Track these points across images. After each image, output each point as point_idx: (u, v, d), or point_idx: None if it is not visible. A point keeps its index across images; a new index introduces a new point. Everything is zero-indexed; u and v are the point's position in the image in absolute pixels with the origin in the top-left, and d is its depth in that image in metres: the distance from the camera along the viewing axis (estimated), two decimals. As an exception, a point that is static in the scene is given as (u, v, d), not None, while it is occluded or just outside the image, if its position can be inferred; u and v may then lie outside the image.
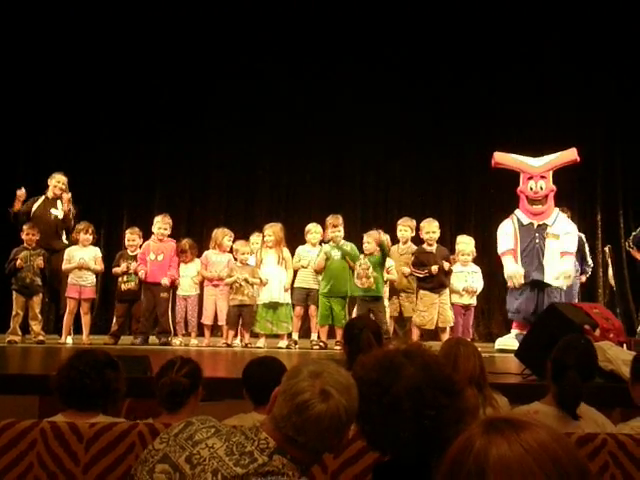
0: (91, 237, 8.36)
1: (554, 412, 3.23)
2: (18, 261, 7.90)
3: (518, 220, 7.89)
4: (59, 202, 8.59)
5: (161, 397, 3.14)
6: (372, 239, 7.81)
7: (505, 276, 7.84)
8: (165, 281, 8.14)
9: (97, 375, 2.99)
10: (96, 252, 8.37)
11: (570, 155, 7.99)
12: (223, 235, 8.42)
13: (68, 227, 8.61)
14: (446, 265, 7.91)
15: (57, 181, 8.60)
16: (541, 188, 7.89)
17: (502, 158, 8.19)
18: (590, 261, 8.65)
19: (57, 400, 3.10)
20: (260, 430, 1.85)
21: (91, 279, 8.26)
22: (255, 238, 8.57)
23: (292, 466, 1.81)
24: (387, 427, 1.86)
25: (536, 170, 7.94)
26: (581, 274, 8.48)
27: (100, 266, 8.37)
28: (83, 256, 8.21)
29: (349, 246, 8.10)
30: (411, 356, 1.92)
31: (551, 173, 7.97)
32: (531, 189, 7.91)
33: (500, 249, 7.94)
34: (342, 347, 3.93)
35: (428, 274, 7.83)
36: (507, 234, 7.88)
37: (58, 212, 8.56)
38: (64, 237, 8.65)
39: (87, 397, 2.98)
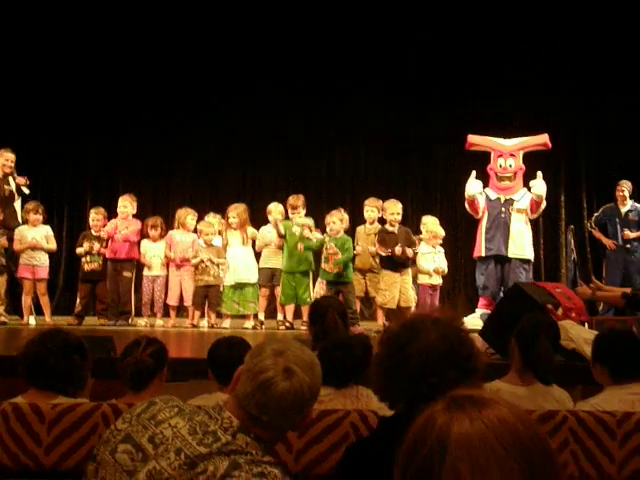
0: (41, 217, 8.20)
1: (516, 390, 3.28)
2: None
3: (486, 195, 7.99)
4: (10, 179, 8.39)
5: (125, 377, 3.12)
6: (337, 218, 7.79)
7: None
8: (123, 233, 8.11)
9: (64, 357, 2.95)
10: (47, 231, 8.22)
11: (542, 139, 8.14)
12: (186, 214, 8.37)
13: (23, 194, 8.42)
14: (409, 252, 7.90)
15: (5, 159, 8.39)
16: (510, 166, 8.04)
17: (475, 139, 8.34)
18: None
19: (21, 381, 3.06)
20: (223, 409, 1.84)
21: (44, 259, 8.11)
22: (211, 219, 8.49)
23: (255, 445, 1.81)
24: (393, 382, 1.89)
25: (507, 148, 8.06)
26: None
27: (53, 245, 8.24)
28: (34, 236, 8.06)
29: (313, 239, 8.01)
30: (437, 324, 1.94)
31: (521, 153, 8.08)
32: (500, 166, 8.07)
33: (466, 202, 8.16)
34: (307, 327, 3.93)
35: (390, 254, 7.82)
36: (467, 189, 8.04)
37: (12, 187, 8.37)
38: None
39: (51, 377, 2.95)
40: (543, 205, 8.04)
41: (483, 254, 7.95)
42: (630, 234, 8.60)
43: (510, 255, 7.80)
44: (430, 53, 10.27)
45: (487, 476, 0.95)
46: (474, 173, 8.15)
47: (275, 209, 8.25)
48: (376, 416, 2.89)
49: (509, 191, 7.98)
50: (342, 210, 8.11)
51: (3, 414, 2.73)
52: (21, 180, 8.45)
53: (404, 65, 10.31)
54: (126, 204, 8.34)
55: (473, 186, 8.03)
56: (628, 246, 8.68)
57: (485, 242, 7.92)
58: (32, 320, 7.95)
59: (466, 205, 8.24)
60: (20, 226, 8.16)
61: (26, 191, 8.49)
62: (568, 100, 10.36)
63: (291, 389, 1.80)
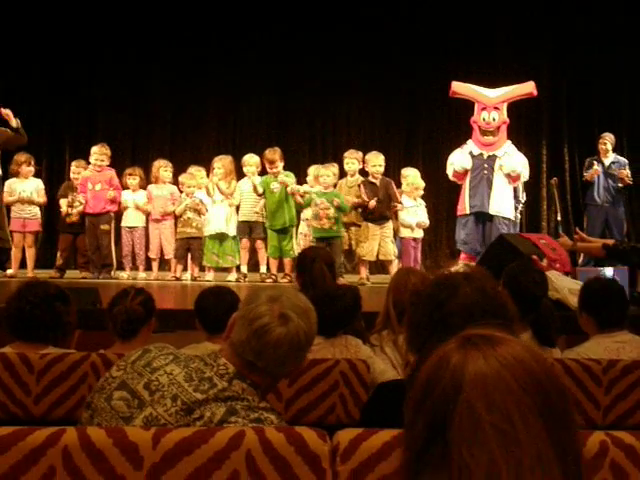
0: (33, 169, 8.13)
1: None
2: None
3: (470, 150, 7.95)
4: None
5: (115, 326, 3.11)
6: (331, 172, 7.72)
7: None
8: (111, 194, 7.99)
9: (47, 307, 2.93)
10: (38, 184, 8.16)
11: (527, 88, 8.04)
12: (159, 167, 8.28)
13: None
14: (399, 206, 7.90)
15: None
16: (493, 119, 7.95)
17: (459, 87, 8.20)
18: (522, 197, 8.75)
19: (4, 331, 3.04)
20: (219, 356, 1.84)
21: (35, 211, 8.08)
22: (194, 171, 8.41)
23: (251, 391, 1.81)
24: (434, 342, 1.88)
25: (490, 101, 7.98)
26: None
27: (43, 198, 8.17)
28: (25, 189, 7.99)
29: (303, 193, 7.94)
30: (470, 278, 1.92)
31: (505, 105, 8.02)
32: (484, 120, 7.97)
33: (450, 174, 8.06)
34: (295, 278, 3.93)
35: (365, 204, 7.80)
36: (455, 162, 7.97)
37: None
38: None
39: (37, 329, 2.93)
40: (523, 176, 7.99)
41: (467, 211, 7.92)
42: (624, 172, 8.62)
43: (492, 212, 7.78)
44: (413, 3, 10.14)
45: (504, 414, 0.94)
46: (465, 147, 8.05)
47: (249, 160, 8.14)
48: (365, 365, 2.92)
49: (492, 147, 7.92)
50: (335, 165, 8.02)
51: (-9, 364, 2.72)
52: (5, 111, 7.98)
53: (386, 16, 10.16)
54: (103, 157, 8.19)
55: (465, 160, 7.94)
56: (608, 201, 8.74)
57: (469, 199, 7.90)
58: (10, 271, 7.87)
59: (451, 175, 8.14)
60: (10, 179, 8.02)
61: (14, 124, 8.07)
62: (551, 51, 10.32)
63: (287, 335, 1.79)
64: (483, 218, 7.85)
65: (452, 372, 0.98)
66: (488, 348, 0.99)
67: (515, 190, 8.10)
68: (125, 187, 8.25)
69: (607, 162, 8.76)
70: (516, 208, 8.26)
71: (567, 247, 4.96)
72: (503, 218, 7.80)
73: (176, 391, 1.77)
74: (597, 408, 2.92)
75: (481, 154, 7.91)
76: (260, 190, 7.92)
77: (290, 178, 8.00)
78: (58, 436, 1.62)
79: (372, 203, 7.74)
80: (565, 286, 4.46)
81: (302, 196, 7.83)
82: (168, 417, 1.74)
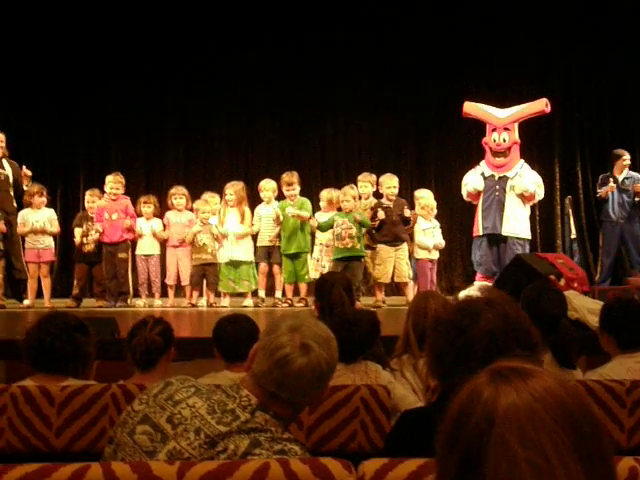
0: (45, 199, 8.20)
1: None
2: None
3: (482, 172, 7.94)
4: (4, 161, 8.29)
5: (134, 357, 3.11)
6: (350, 196, 7.70)
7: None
8: (128, 222, 8.02)
9: (68, 338, 2.93)
10: (51, 214, 8.22)
11: (538, 106, 7.98)
12: (171, 195, 8.32)
13: (19, 193, 8.37)
14: (407, 212, 7.89)
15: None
16: (504, 140, 7.91)
17: (470, 108, 8.20)
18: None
19: (25, 363, 3.04)
20: (241, 387, 1.83)
21: (48, 242, 8.13)
22: (209, 198, 8.44)
23: (275, 422, 1.80)
24: (458, 369, 1.87)
25: (500, 122, 7.95)
26: None
27: (57, 228, 8.23)
28: (38, 219, 8.05)
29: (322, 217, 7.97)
30: (492, 304, 1.92)
31: (516, 125, 7.98)
32: (494, 141, 7.95)
33: (464, 195, 8.05)
34: (314, 303, 3.92)
35: (378, 220, 7.79)
36: (468, 183, 7.95)
37: (7, 172, 8.27)
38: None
39: (57, 360, 2.93)
40: (538, 195, 7.96)
41: (480, 233, 7.93)
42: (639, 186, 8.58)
43: (504, 233, 7.76)
44: (423, 24, 10.18)
45: (538, 449, 0.93)
46: (477, 168, 8.05)
47: (266, 185, 8.21)
48: (386, 391, 2.90)
49: (503, 168, 7.91)
50: (354, 187, 8.02)
51: (12, 397, 2.72)
52: (27, 172, 8.31)
53: (397, 37, 10.20)
54: (118, 186, 8.25)
55: (477, 182, 7.93)
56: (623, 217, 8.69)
57: (482, 220, 7.89)
58: (26, 301, 7.92)
59: (465, 196, 8.15)
60: (24, 209, 8.12)
61: (25, 187, 8.37)
62: (563, 69, 10.32)
63: (309, 365, 1.79)
64: (496, 239, 7.82)
65: (484, 406, 0.97)
66: (519, 381, 0.98)
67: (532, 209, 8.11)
68: (140, 215, 8.28)
69: (621, 178, 8.73)
70: None
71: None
72: (517, 239, 7.76)
73: (199, 424, 1.76)
74: (621, 430, 2.88)
75: (492, 175, 7.89)
76: (281, 219, 7.97)
77: (307, 205, 8.05)
78: (83, 472, 1.62)
79: (381, 214, 7.76)
80: (584, 305, 4.43)
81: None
82: (192, 451, 1.73)
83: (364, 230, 7.83)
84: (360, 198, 8.18)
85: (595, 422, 0.98)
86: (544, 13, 10.04)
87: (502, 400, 0.97)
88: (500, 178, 7.87)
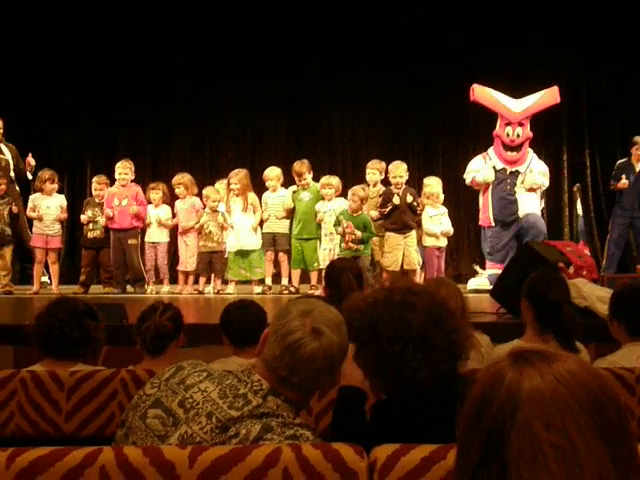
0: (57, 186, 8.25)
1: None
2: None
3: (493, 165, 7.85)
4: (2, 146, 8.29)
5: (144, 342, 3.11)
6: (357, 197, 7.65)
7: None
8: (134, 209, 8.02)
9: (77, 324, 2.94)
10: (62, 200, 8.24)
11: (551, 97, 7.87)
12: (173, 185, 8.32)
13: (22, 177, 8.39)
14: (409, 198, 7.84)
15: None
16: (518, 135, 7.77)
17: (482, 95, 7.96)
18: (540, 205, 8.67)
19: (35, 349, 3.05)
20: (252, 372, 1.83)
21: (57, 228, 8.14)
22: (219, 186, 8.45)
23: (286, 407, 1.80)
24: (407, 365, 1.85)
25: (516, 117, 7.79)
26: None
27: (65, 214, 8.24)
28: (49, 205, 8.07)
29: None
30: (416, 292, 1.90)
31: (529, 119, 7.89)
32: (508, 135, 7.80)
33: (468, 180, 8.03)
34: (323, 290, 3.91)
35: (392, 206, 7.76)
36: (478, 173, 7.90)
37: (6, 156, 8.27)
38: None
39: (66, 346, 2.93)
40: (543, 185, 7.92)
41: (493, 224, 7.88)
42: None
43: (521, 214, 7.73)
44: (430, 12, 10.12)
45: (562, 432, 0.93)
46: (487, 159, 7.96)
47: (270, 174, 8.21)
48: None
49: (515, 164, 7.82)
50: (365, 188, 7.93)
51: (22, 382, 2.72)
52: (31, 161, 8.32)
53: (405, 24, 10.15)
54: (127, 171, 8.25)
55: (489, 174, 7.88)
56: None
57: (492, 209, 7.85)
58: (33, 288, 7.95)
59: (468, 182, 8.08)
60: (35, 194, 8.15)
61: (29, 176, 8.39)
62: (570, 55, 10.26)
63: (320, 349, 1.78)
64: (510, 223, 7.77)
65: (508, 389, 0.97)
66: (543, 365, 0.98)
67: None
68: (149, 202, 8.29)
69: (638, 167, 8.61)
70: None
71: None
72: (532, 213, 7.70)
73: (211, 408, 1.76)
74: (631, 418, 2.87)
75: (504, 169, 7.81)
76: (291, 205, 8.01)
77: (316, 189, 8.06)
78: (95, 456, 1.62)
79: (396, 199, 7.72)
80: (593, 293, 4.41)
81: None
82: (203, 435, 1.73)
83: (373, 215, 7.82)
84: (368, 185, 8.17)
85: (619, 405, 0.98)
86: (554, 2, 9.98)
87: (526, 383, 0.96)
88: (512, 173, 7.81)
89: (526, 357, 1.00)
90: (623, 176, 8.51)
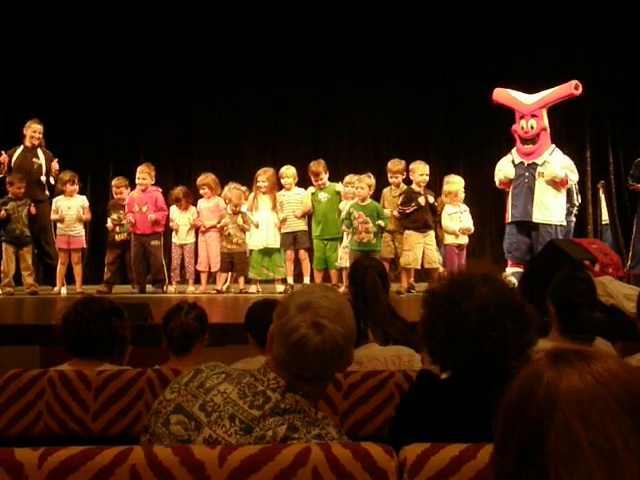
0: (77, 187, 8.30)
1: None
2: (2, 212, 7.79)
3: (512, 159, 7.86)
4: (39, 151, 8.39)
5: (170, 341, 3.12)
6: (365, 184, 7.67)
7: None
8: (152, 217, 8.04)
9: (103, 322, 2.96)
10: (83, 201, 8.31)
11: (566, 89, 7.80)
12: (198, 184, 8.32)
13: (49, 183, 8.49)
14: (431, 199, 7.82)
15: (33, 131, 8.35)
16: (532, 127, 7.75)
17: (499, 95, 8.05)
18: (576, 200, 8.59)
19: (61, 348, 3.07)
20: (268, 370, 1.83)
21: (79, 229, 8.21)
22: (239, 187, 8.44)
23: (305, 402, 1.79)
24: (450, 342, 1.87)
25: (527, 108, 7.82)
26: (567, 215, 8.38)
27: (88, 215, 8.30)
28: (70, 206, 8.14)
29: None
30: (487, 278, 1.91)
31: (544, 111, 7.85)
32: (522, 128, 7.81)
33: (497, 182, 8.01)
34: (347, 288, 3.90)
35: (416, 206, 7.74)
36: (500, 170, 7.89)
37: (40, 161, 8.37)
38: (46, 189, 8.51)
39: (93, 344, 2.96)
40: (571, 179, 7.82)
41: (510, 220, 7.87)
42: None
43: (535, 221, 7.66)
44: (452, 10, 10.08)
45: (602, 432, 0.92)
46: (509, 156, 7.97)
47: (287, 172, 8.20)
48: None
49: (532, 155, 7.76)
50: (371, 175, 7.99)
51: (50, 381, 2.74)
52: (55, 165, 8.39)
53: (424, 23, 10.12)
54: (145, 176, 8.27)
55: (509, 170, 7.84)
56: None
57: (512, 208, 7.83)
58: (63, 290, 8.02)
59: (497, 184, 8.07)
60: (57, 196, 8.23)
61: (52, 181, 8.47)
62: (592, 51, 10.17)
63: (325, 342, 1.77)
64: (527, 226, 7.73)
65: (546, 388, 0.96)
66: (582, 364, 0.97)
67: (568, 193, 7.97)
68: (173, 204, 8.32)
69: None
70: (570, 212, 8.10)
71: None
72: (548, 225, 7.65)
73: (232, 410, 1.76)
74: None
75: (522, 162, 7.78)
76: (310, 207, 8.02)
77: (339, 187, 8.08)
78: (126, 455, 1.63)
79: (422, 200, 7.71)
80: (620, 291, 4.37)
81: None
82: (228, 438, 1.73)
83: (385, 221, 7.79)
84: (390, 185, 8.16)
85: None
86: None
87: (564, 382, 0.95)
88: (529, 165, 7.76)
89: (564, 356, 0.99)
90: None
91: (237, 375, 1.84)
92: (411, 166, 8.07)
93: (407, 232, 7.86)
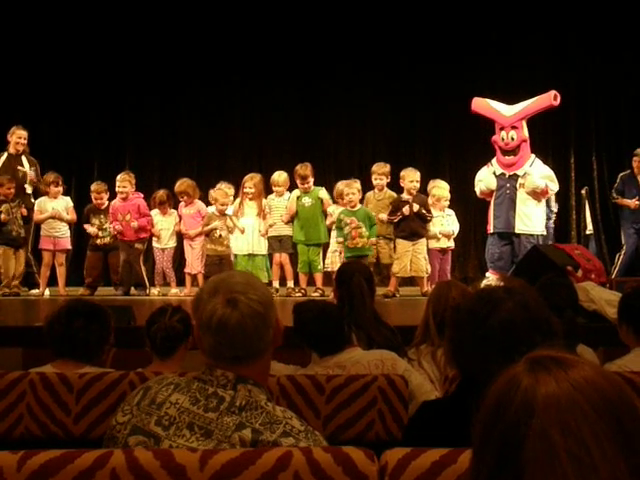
0: (61, 188, 8.26)
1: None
2: (2, 215, 7.72)
3: (494, 170, 7.90)
4: (23, 158, 8.31)
5: (154, 344, 3.11)
6: (356, 189, 7.67)
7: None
8: (135, 225, 8.01)
9: (89, 324, 2.95)
10: (67, 202, 8.29)
11: (545, 101, 7.85)
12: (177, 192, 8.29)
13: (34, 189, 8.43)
14: (416, 207, 7.84)
15: (18, 137, 8.28)
16: (512, 139, 7.79)
17: (478, 105, 8.10)
18: (554, 207, 8.64)
19: (44, 351, 3.06)
20: (212, 369, 1.80)
21: (64, 230, 8.17)
22: (226, 188, 8.44)
23: (257, 390, 1.79)
24: (478, 358, 1.87)
25: (507, 120, 7.85)
26: (547, 220, 8.43)
27: (73, 216, 8.26)
28: (55, 207, 8.15)
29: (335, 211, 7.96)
30: (512, 292, 1.91)
31: (524, 122, 7.88)
32: (502, 139, 7.85)
33: (478, 192, 8.02)
34: (333, 291, 3.91)
35: (401, 216, 7.77)
36: (481, 181, 7.92)
37: (25, 169, 8.29)
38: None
39: (79, 346, 2.94)
40: (551, 189, 7.88)
41: (491, 230, 7.92)
42: None
43: (517, 231, 7.72)
44: (439, 14, 10.12)
45: (579, 439, 0.92)
46: (490, 167, 7.98)
47: (278, 179, 8.20)
48: (403, 381, 2.88)
49: (513, 167, 7.81)
50: (357, 181, 8.03)
51: (31, 383, 2.72)
52: (31, 174, 8.29)
53: (411, 31, 10.16)
54: (125, 184, 8.21)
55: (490, 181, 7.88)
56: None
57: (494, 219, 7.87)
58: (47, 291, 7.97)
59: (478, 194, 8.12)
60: (40, 198, 8.19)
61: (29, 190, 8.36)
62: (577, 60, 10.24)
63: (243, 315, 1.76)
64: (509, 237, 7.79)
65: (523, 395, 0.96)
66: (559, 371, 0.97)
67: (547, 201, 8.02)
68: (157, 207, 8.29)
69: None
70: (549, 218, 8.14)
71: None
72: (530, 235, 7.70)
73: (189, 419, 1.74)
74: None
75: (503, 174, 7.83)
76: (294, 210, 8.01)
77: (322, 193, 8.11)
78: (106, 458, 1.62)
79: (406, 209, 7.72)
80: (602, 297, 4.39)
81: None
82: (191, 446, 1.72)
83: (383, 218, 7.82)
84: (373, 189, 8.17)
85: (636, 412, 0.97)
86: (561, 6, 9.95)
87: (542, 389, 0.96)
88: (510, 177, 7.81)
89: (542, 363, 0.99)
90: (635, 198, 8.44)
91: (186, 383, 1.82)
92: (402, 173, 8.08)
93: (397, 240, 7.90)
